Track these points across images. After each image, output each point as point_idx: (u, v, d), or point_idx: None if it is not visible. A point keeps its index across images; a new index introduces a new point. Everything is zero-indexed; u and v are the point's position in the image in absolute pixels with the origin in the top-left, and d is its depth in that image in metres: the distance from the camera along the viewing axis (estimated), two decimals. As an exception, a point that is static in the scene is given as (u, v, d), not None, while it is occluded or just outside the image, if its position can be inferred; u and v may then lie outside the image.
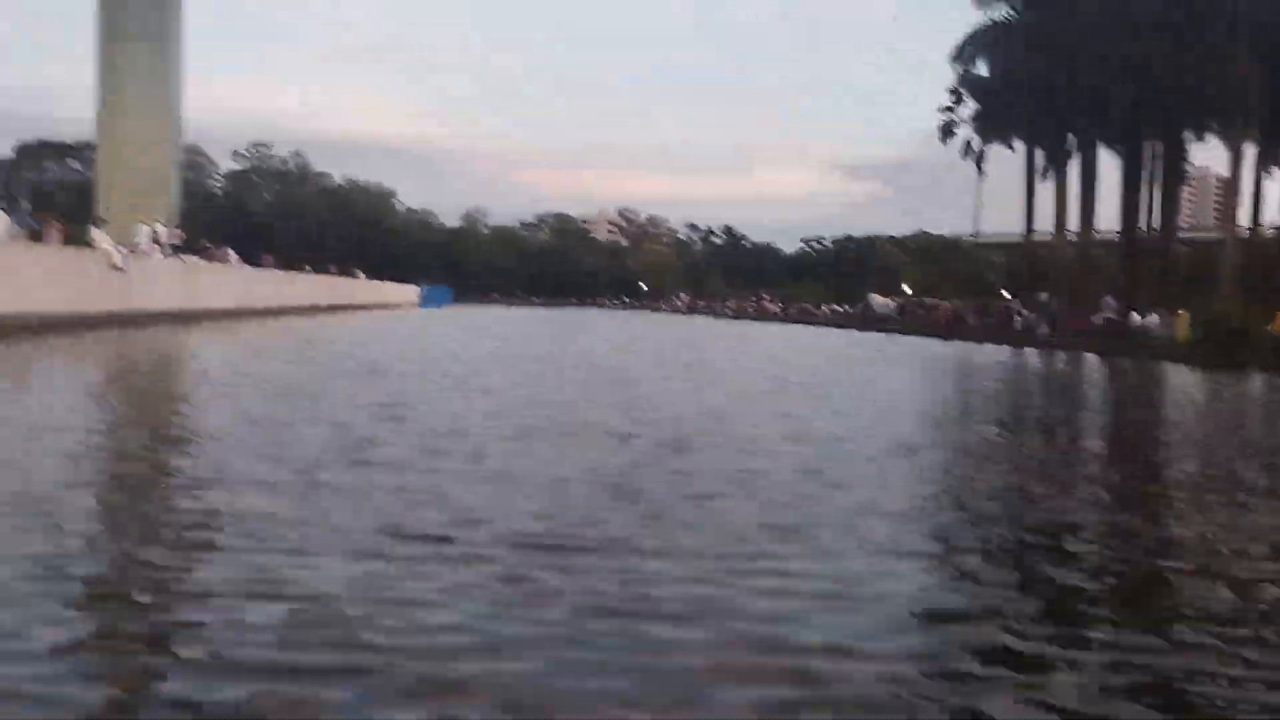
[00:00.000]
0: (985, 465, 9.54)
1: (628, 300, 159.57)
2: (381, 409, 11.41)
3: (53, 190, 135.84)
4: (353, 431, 9.50)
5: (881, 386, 18.72)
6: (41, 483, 6.76)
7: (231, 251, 47.67)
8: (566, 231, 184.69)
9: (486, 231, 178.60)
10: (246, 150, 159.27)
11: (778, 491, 7.38)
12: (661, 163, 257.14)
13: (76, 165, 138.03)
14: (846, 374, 21.86)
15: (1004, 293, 68.29)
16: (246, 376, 15.61)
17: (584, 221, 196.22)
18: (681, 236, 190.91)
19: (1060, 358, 32.95)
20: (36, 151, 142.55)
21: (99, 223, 32.81)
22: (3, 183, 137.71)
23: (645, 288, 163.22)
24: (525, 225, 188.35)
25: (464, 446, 8.94)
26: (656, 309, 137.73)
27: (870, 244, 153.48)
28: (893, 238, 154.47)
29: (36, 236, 28.74)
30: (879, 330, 54.31)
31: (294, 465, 7.64)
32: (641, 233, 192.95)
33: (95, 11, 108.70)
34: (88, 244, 29.46)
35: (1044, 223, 52.53)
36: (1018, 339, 43.07)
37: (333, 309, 59.62)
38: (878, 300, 67.37)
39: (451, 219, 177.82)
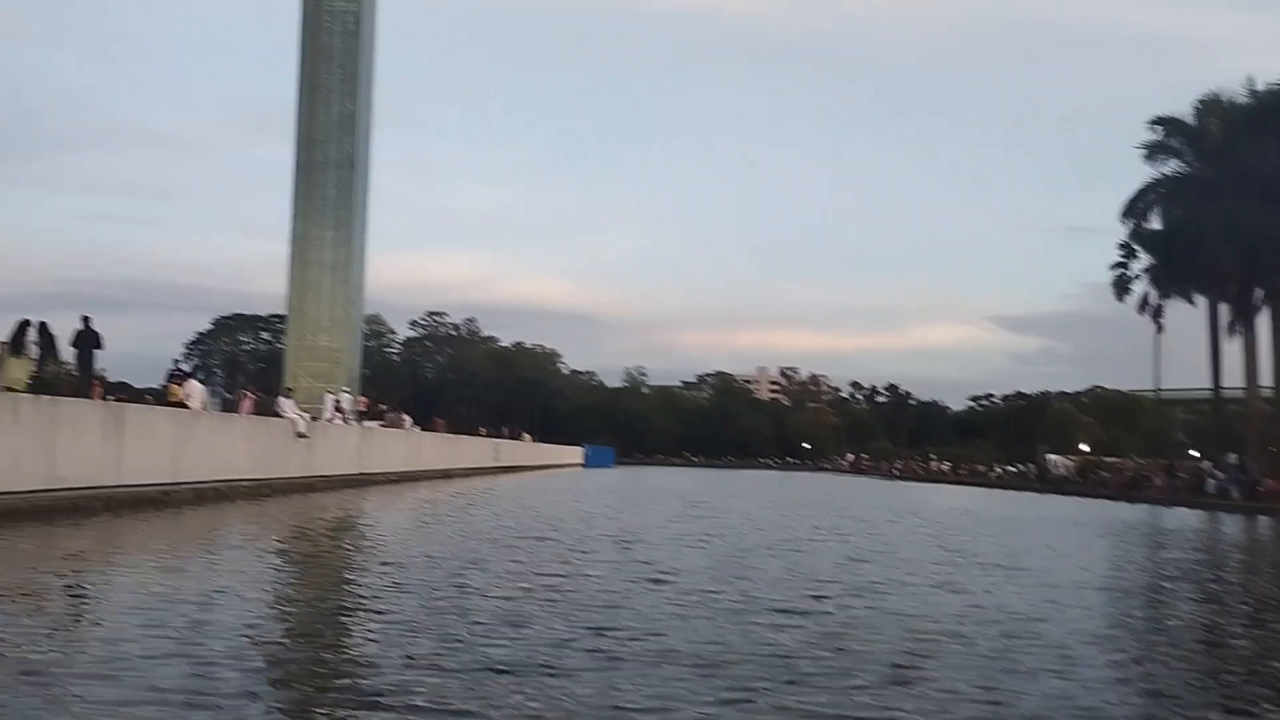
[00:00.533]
0: (1202, 657, 8.72)
1: (790, 460, 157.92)
2: (539, 580, 11.32)
3: (245, 360, 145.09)
4: (497, 607, 9.41)
5: (1069, 558, 17.62)
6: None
7: (407, 416, 49.50)
8: (727, 390, 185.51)
9: (647, 391, 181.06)
10: (422, 319, 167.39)
11: (959, 686, 6.87)
12: (820, 320, 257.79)
13: (267, 336, 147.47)
14: (1029, 542, 20.73)
15: (1192, 452, 64.57)
16: (412, 543, 15.84)
17: (744, 380, 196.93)
18: (844, 394, 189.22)
19: (1261, 524, 30.59)
20: (231, 324, 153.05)
21: (287, 393, 34.64)
22: (200, 353, 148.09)
23: (808, 447, 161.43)
24: (686, 385, 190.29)
25: (633, 623, 8.72)
26: (819, 469, 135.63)
27: (1042, 401, 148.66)
28: (1066, 394, 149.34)
29: (230, 407, 30.49)
30: (1057, 492, 51.87)
31: (454, 648, 7.56)
32: (803, 391, 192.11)
33: (290, 197, 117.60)
34: (275, 414, 31.04)
35: (1231, 378, 49.87)
36: (1208, 502, 40.39)
37: (499, 470, 60.85)
38: (1054, 460, 64.63)
39: (614, 379, 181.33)
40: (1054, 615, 10.35)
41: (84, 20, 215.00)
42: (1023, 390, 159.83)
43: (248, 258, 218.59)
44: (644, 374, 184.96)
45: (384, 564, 13.33)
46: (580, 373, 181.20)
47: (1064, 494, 50.46)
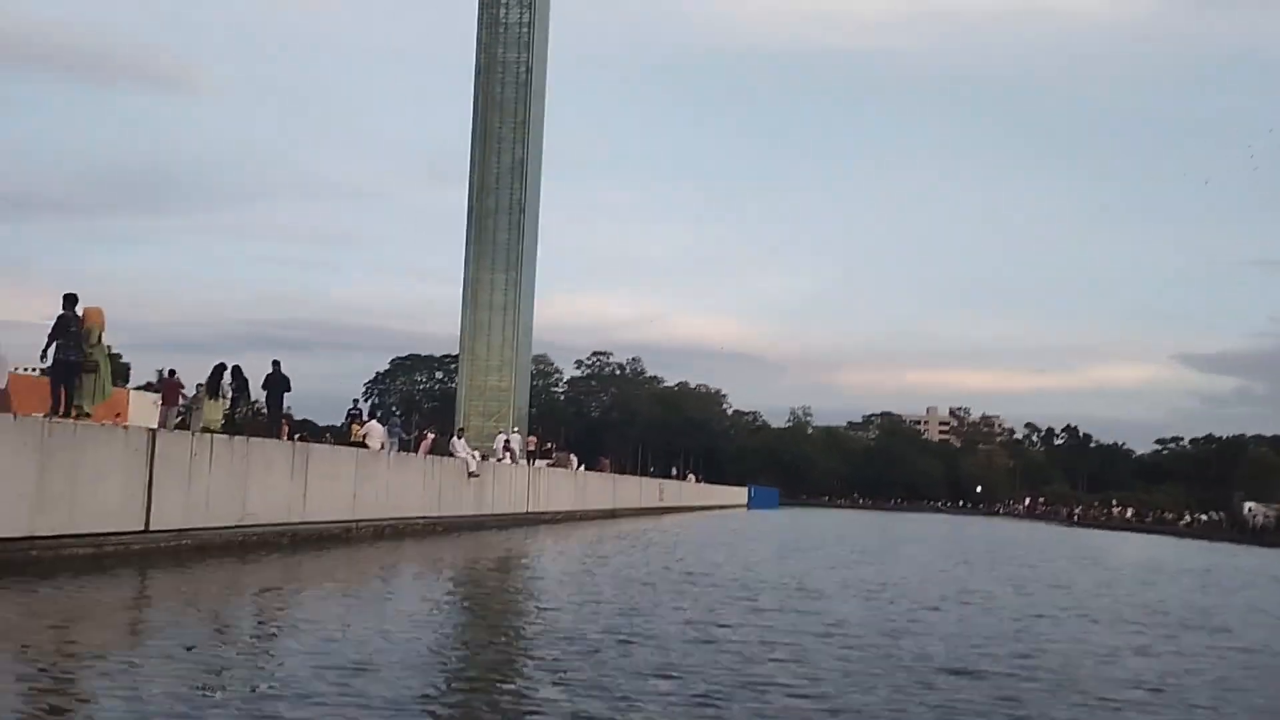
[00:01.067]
0: None
1: (962, 504, 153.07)
2: (698, 630, 11.22)
3: (420, 398, 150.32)
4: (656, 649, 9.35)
5: (1276, 619, 16.42)
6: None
7: (574, 456, 50.27)
8: (894, 431, 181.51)
9: (812, 431, 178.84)
10: (587, 359, 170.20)
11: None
12: (993, 358, 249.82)
13: (440, 376, 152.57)
14: (1228, 600, 19.43)
15: None
16: (575, 585, 15.99)
17: (912, 421, 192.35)
18: (1018, 435, 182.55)
19: None
20: (408, 364, 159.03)
21: (459, 433, 35.68)
22: (379, 392, 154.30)
23: (979, 490, 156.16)
24: (852, 425, 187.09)
25: (796, 680, 8.54)
26: (992, 513, 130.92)
27: (1238, 445, 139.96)
28: (1263, 437, 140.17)
29: (406, 446, 31.60)
30: (1257, 543, 48.54)
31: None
32: (974, 432, 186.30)
33: (463, 242, 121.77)
34: (449, 453, 31.99)
35: None
36: None
37: (664, 510, 61.03)
38: (1252, 508, 60.55)
39: (779, 420, 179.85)
40: (1255, 688, 9.64)
41: (277, 78, 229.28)
42: (1214, 433, 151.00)
43: (425, 300, 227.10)
44: (809, 414, 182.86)
45: (544, 607, 13.51)
46: (744, 413, 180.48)
47: (1265, 545, 47.17)
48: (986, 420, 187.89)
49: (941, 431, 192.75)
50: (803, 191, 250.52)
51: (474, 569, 19.96)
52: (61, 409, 16.30)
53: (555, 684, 8.18)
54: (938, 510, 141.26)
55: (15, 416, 14.81)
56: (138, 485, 16.54)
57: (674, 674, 8.73)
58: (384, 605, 13.24)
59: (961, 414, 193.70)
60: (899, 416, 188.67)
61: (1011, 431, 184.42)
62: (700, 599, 14.77)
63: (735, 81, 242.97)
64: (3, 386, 16.90)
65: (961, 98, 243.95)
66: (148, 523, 16.74)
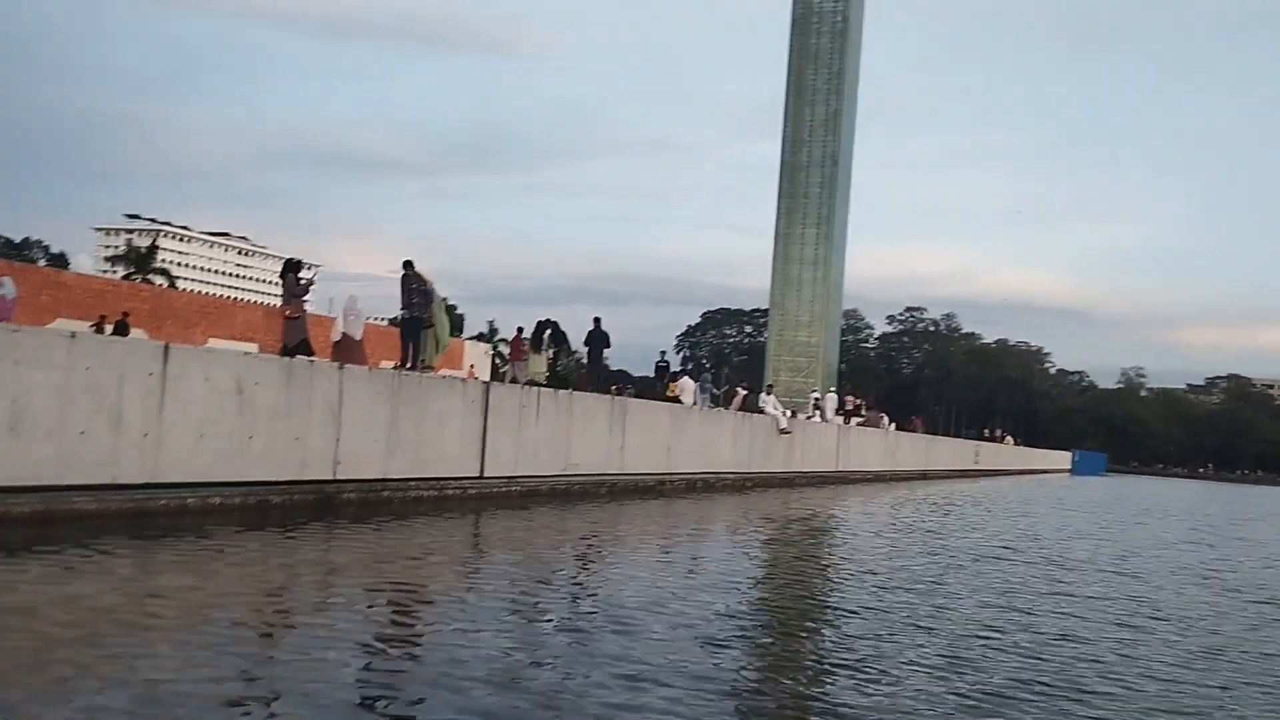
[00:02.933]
0: None
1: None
2: (996, 615, 10.71)
3: (729, 352, 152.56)
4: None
5: None
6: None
7: (885, 416, 49.40)
8: (1243, 395, 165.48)
9: (1146, 394, 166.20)
10: (901, 314, 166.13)
11: None
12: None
13: (750, 330, 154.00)
14: None
15: None
16: (878, 551, 15.73)
17: (1265, 384, 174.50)
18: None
19: None
20: (718, 318, 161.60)
21: (769, 390, 35.94)
22: (690, 345, 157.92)
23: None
24: (1192, 388, 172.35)
25: (1109, 688, 8.00)
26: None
27: None
28: None
29: (719, 402, 32.21)
30: None
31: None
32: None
33: (775, 195, 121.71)
34: (759, 409, 32.32)
35: None
36: None
37: (978, 474, 58.87)
38: None
39: (1107, 380, 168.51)
40: None
41: (598, 39, 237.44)
42: None
43: (736, 254, 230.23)
44: (1143, 375, 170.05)
45: (841, 573, 13.39)
46: (1069, 372, 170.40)
47: None
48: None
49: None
50: (1137, 135, 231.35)
51: (782, 525, 20.10)
52: (410, 362, 17.83)
53: (832, 662, 8.11)
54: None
55: (370, 369, 16.36)
56: (473, 434, 17.86)
57: (964, 667, 8.40)
58: (689, 555, 13.62)
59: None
60: (1248, 379, 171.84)
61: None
62: (1006, 576, 14.14)
63: (1059, 21, 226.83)
64: (359, 338, 18.70)
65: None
66: (482, 469, 18.05)
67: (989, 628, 9.59)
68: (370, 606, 8.66)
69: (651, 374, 32.06)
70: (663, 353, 30.72)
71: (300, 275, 16.88)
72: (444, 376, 18.44)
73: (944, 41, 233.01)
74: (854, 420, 43.87)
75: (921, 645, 8.56)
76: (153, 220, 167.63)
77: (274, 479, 13.62)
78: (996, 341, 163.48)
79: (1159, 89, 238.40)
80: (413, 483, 16.22)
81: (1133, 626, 10.40)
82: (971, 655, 8.30)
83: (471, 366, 41.44)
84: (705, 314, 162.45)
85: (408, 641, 7.63)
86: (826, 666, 7.72)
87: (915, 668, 7.73)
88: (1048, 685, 7.47)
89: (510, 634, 7.93)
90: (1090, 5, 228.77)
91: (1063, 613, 10.89)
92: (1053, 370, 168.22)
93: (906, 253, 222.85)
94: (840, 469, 37.26)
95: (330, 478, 14.60)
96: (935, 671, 7.64)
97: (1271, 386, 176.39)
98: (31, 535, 10.01)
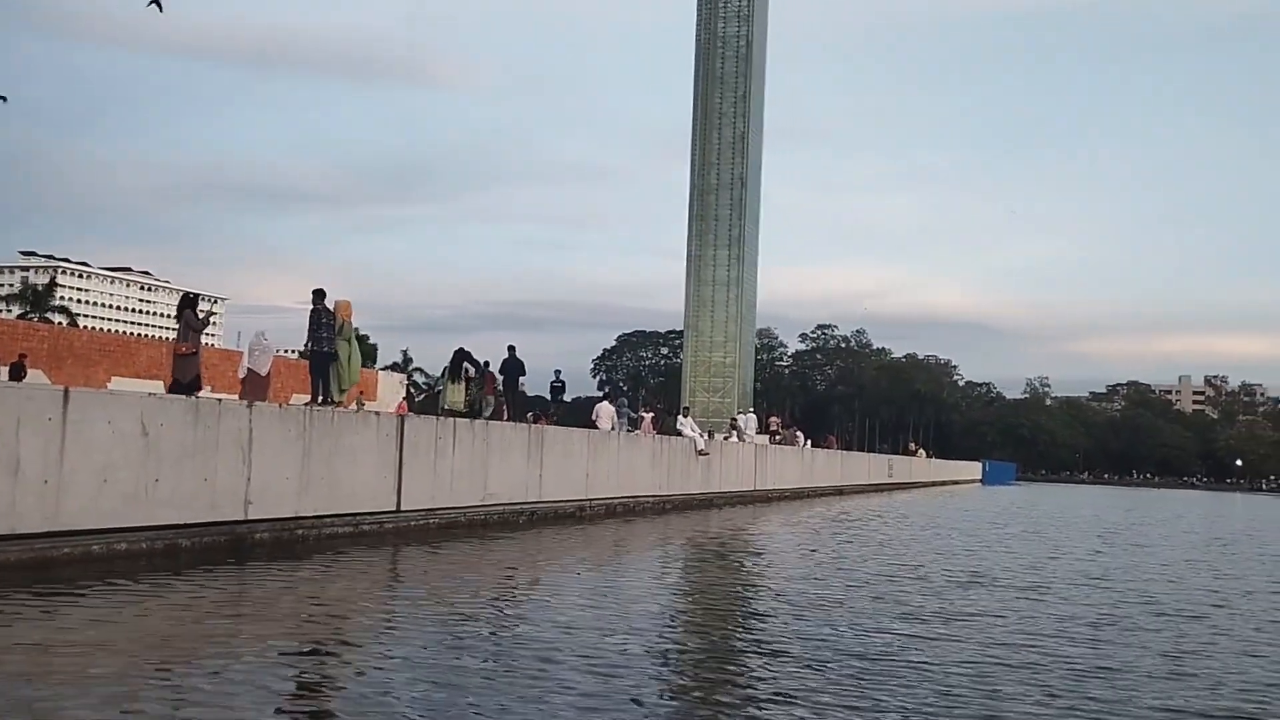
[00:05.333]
0: None
1: (1226, 480, 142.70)
2: (915, 628, 10.92)
3: (646, 374, 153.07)
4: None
5: None
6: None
7: (800, 434, 49.98)
8: (1142, 402, 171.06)
9: (1051, 403, 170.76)
10: (812, 332, 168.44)
11: None
12: (1254, 325, 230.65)
13: (666, 352, 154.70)
14: None
15: None
16: (797, 569, 15.90)
17: (1163, 391, 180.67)
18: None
19: None
20: (634, 341, 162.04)
21: (685, 412, 36.14)
22: (606, 368, 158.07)
23: (1239, 464, 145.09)
24: (1095, 395, 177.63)
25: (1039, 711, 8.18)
26: (1254, 489, 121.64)
27: None
28: None
29: (635, 424, 32.27)
30: None
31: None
32: (1233, 402, 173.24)
33: (686, 218, 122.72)
34: (676, 431, 32.46)
35: None
36: None
37: (893, 487, 59.84)
38: None
39: (1014, 391, 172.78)
40: None
41: (513, 68, 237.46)
42: None
43: (654, 276, 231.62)
44: (1047, 385, 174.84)
45: (765, 591, 13.50)
46: (977, 384, 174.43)
47: None
48: (1247, 389, 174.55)
49: (1196, 402, 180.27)
50: (1045, 156, 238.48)
51: (700, 546, 20.18)
52: (321, 397, 17.54)
53: (756, 675, 8.17)
54: (1193, 486, 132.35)
55: (281, 406, 16.06)
56: (388, 468, 17.63)
57: (888, 685, 8.55)
58: (613, 578, 13.59)
59: (1218, 383, 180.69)
60: (1147, 386, 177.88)
61: (1276, 401, 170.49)
62: (915, 590, 14.41)
63: (967, 44, 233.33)
64: (265, 374, 18.33)
65: (1227, 45, 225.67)
66: (399, 503, 17.81)
67: (883, 652, 9.74)
68: (278, 654, 8.47)
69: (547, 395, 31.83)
70: (557, 372, 30.49)
71: (199, 310, 16.50)
72: (357, 411, 18.17)
73: (850, 64, 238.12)
74: (765, 438, 44.32)
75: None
76: (49, 257, 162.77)
77: (183, 521, 13.27)
78: (906, 356, 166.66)
79: (1061, 107, 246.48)
80: (328, 519, 15.94)
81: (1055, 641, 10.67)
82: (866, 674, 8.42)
83: (403, 401, 40.84)
84: (621, 336, 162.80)
85: (315, 691, 7.48)
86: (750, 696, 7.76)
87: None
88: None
89: (427, 672, 7.83)
90: (992, 29, 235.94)
91: (963, 634, 11.10)
92: (961, 383, 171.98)
93: (817, 272, 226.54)
94: (759, 488, 37.58)
95: (242, 518, 14.27)
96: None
97: (1169, 392, 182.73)
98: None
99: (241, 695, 6.89)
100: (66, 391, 12.06)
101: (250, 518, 14.39)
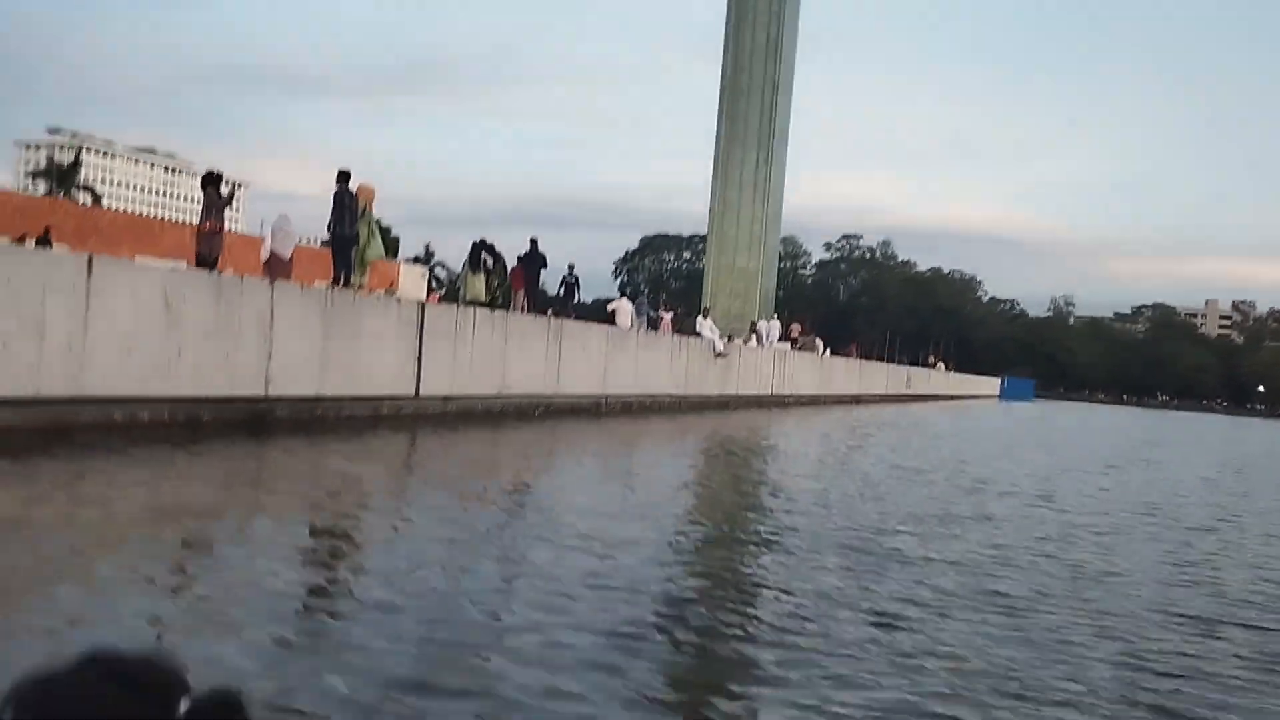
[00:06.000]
0: None
1: (1248, 405, 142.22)
2: (916, 532, 11.05)
3: (668, 278, 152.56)
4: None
5: None
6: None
7: (820, 340, 49.95)
8: (1166, 324, 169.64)
9: (1075, 322, 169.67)
10: (837, 242, 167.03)
11: None
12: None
13: (688, 256, 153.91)
14: None
15: None
16: (806, 470, 16.09)
17: (1188, 314, 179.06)
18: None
19: None
20: (657, 243, 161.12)
21: (705, 314, 36.13)
22: (627, 270, 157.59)
23: (1262, 390, 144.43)
24: (1119, 316, 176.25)
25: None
26: (1274, 416, 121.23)
27: None
28: None
29: (654, 324, 32.32)
30: None
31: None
32: (1260, 327, 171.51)
33: (715, 120, 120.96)
34: (695, 333, 32.50)
35: None
36: None
37: (910, 399, 59.97)
38: None
39: (1038, 309, 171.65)
40: None
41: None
42: None
43: (675, 179, 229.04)
44: (1071, 304, 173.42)
45: (770, 486, 13.66)
46: (1001, 300, 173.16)
47: None
48: (1275, 315, 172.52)
49: (1222, 326, 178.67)
50: (1075, 70, 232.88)
51: (712, 443, 20.36)
52: (341, 280, 17.61)
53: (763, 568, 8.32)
54: (1212, 411, 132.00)
55: (303, 286, 16.14)
56: (408, 354, 17.75)
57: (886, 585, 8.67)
58: (624, 467, 13.78)
59: (1246, 307, 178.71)
60: (1172, 308, 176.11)
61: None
62: (925, 493, 14.54)
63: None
64: (288, 257, 18.37)
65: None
66: (418, 389, 17.99)
67: (897, 550, 9.87)
68: (292, 522, 8.67)
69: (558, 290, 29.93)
70: (570, 267, 29.19)
71: (221, 189, 16.47)
72: (379, 296, 18.23)
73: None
74: (791, 346, 44.32)
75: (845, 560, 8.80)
76: (75, 134, 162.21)
77: (204, 395, 13.47)
78: (931, 270, 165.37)
79: (1099, 19, 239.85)
80: (347, 401, 16.13)
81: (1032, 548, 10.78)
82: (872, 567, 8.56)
83: (435, 293, 40.82)
84: (644, 239, 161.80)
85: (334, 561, 7.67)
86: (755, 586, 7.92)
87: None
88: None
89: (436, 549, 8.01)
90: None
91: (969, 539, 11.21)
92: (985, 299, 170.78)
93: (846, 181, 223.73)
94: (776, 393, 37.73)
95: (262, 395, 14.46)
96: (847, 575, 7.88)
97: (1195, 315, 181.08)
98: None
99: (253, 562, 7.07)
100: (90, 259, 12.14)
101: (270, 395, 14.58)
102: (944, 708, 4.96)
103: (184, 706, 1.23)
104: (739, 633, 6.13)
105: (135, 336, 12.50)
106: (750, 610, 6.71)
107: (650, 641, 5.77)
